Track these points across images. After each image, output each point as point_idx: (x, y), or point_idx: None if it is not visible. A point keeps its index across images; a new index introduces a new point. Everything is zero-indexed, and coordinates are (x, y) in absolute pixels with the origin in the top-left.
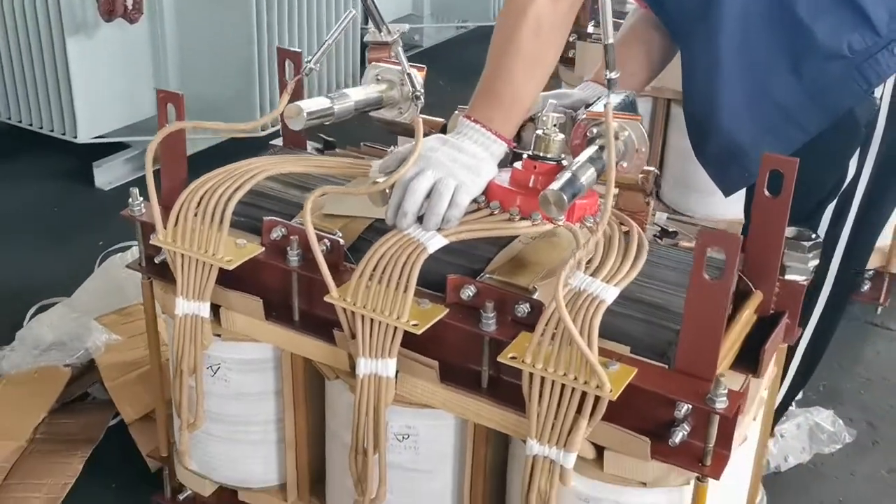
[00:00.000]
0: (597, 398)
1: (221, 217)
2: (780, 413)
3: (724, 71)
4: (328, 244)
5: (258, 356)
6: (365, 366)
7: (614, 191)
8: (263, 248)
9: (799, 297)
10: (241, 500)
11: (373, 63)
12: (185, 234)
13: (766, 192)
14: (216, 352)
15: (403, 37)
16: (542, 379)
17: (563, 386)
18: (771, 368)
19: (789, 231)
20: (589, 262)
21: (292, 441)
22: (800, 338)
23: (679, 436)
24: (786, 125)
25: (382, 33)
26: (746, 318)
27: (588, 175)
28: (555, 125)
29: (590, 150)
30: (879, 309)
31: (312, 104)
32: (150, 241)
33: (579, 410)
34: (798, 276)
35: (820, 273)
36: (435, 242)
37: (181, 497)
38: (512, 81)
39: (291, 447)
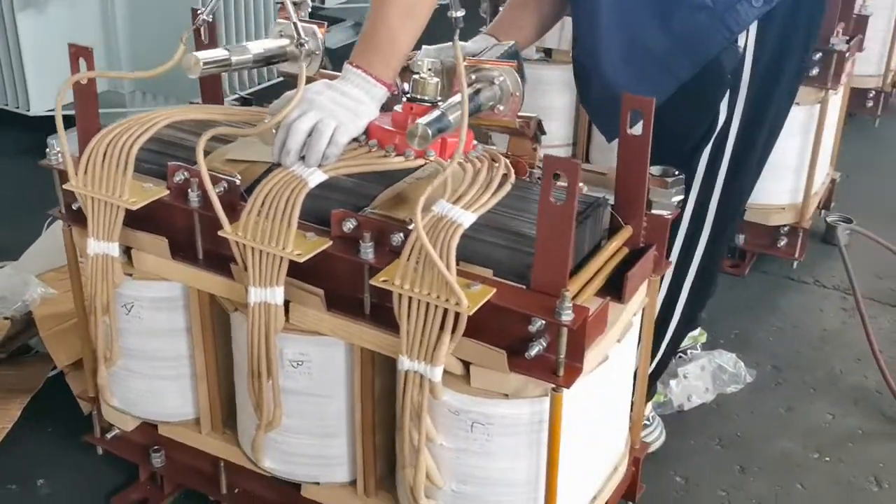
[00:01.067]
0: (457, 315)
1: (126, 161)
2: (672, 348)
3: (602, 21)
4: (226, 185)
5: (168, 294)
6: (255, 294)
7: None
8: (168, 191)
9: (664, 230)
10: (161, 433)
11: (278, 20)
12: (94, 178)
13: (629, 130)
14: (129, 290)
15: (358, 16)
16: (410, 299)
17: (427, 305)
18: (641, 297)
19: (655, 169)
20: (457, 193)
21: (203, 375)
22: (685, 276)
23: (535, 349)
24: (658, 72)
25: None
26: (613, 248)
27: (457, 114)
28: (429, 69)
29: (461, 95)
30: (795, 264)
31: (209, 54)
32: (63, 187)
33: (443, 328)
34: (663, 211)
35: (699, 216)
36: (315, 178)
37: (108, 436)
38: (389, 29)
39: (203, 381)
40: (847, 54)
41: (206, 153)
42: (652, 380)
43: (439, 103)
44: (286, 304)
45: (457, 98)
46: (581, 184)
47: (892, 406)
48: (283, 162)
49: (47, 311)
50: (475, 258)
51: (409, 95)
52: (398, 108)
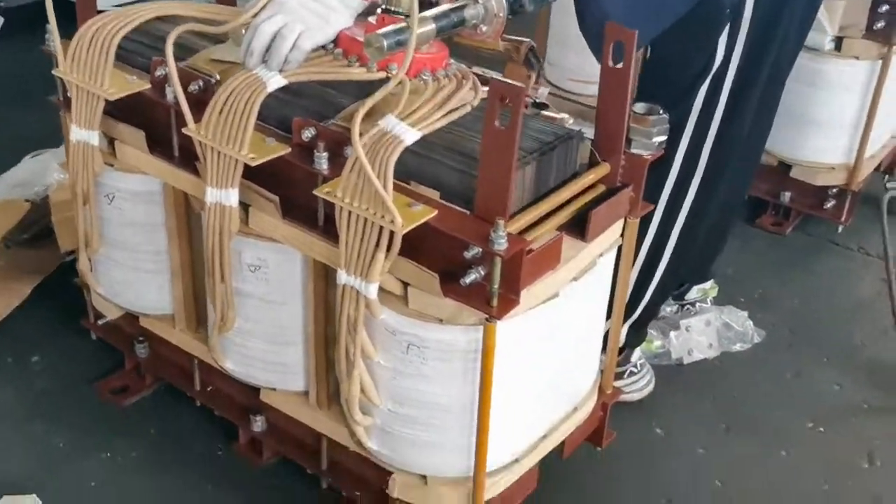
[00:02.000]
0: (392, 233)
1: (107, 51)
2: (659, 295)
3: None
4: (201, 84)
5: (147, 188)
6: (211, 195)
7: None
8: (150, 86)
9: (642, 170)
10: (142, 325)
11: None
12: (79, 66)
13: (611, 62)
14: (110, 181)
15: None
16: (350, 213)
17: (365, 220)
18: (612, 238)
19: (639, 107)
20: (408, 109)
21: (178, 271)
22: (675, 220)
23: (472, 277)
24: (656, 4)
25: None
26: (583, 184)
27: (425, 29)
28: None
29: (439, 8)
30: (840, 228)
31: None
32: (53, 72)
33: (379, 245)
34: (642, 151)
35: (691, 158)
36: (274, 81)
37: (100, 322)
38: None
39: (178, 277)
40: None
41: (194, 52)
42: (638, 326)
43: None
44: (247, 208)
45: (428, 12)
46: (565, 115)
47: None
48: (246, 63)
49: (62, 196)
50: (426, 178)
51: (383, 7)
52: (373, 18)
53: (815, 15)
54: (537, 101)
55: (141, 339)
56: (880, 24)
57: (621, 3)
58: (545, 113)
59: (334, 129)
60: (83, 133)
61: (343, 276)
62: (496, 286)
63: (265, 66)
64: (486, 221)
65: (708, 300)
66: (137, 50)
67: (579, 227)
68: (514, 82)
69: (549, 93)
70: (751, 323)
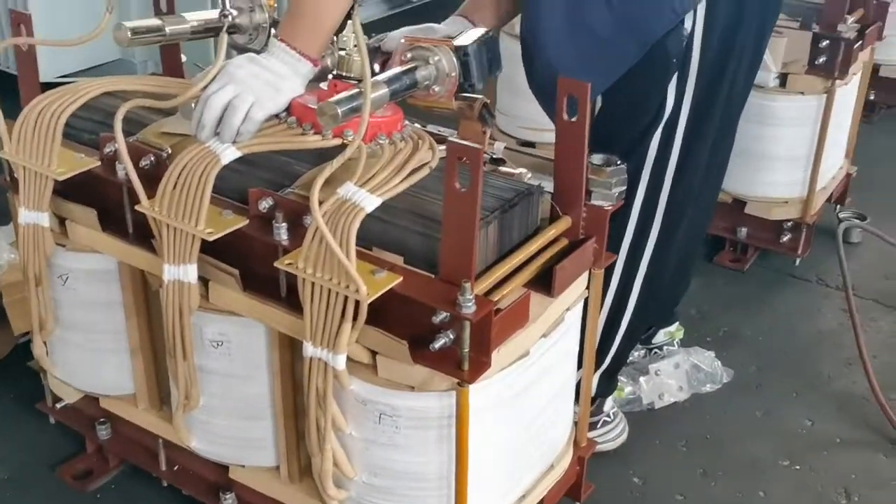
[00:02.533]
0: (357, 302)
1: (54, 130)
2: (627, 342)
3: (543, 1)
4: (152, 159)
5: (101, 266)
6: (169, 272)
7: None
8: (99, 163)
9: (604, 222)
10: (102, 406)
11: None
12: (25, 147)
13: (565, 116)
14: (63, 261)
15: None
16: (313, 284)
17: (329, 290)
18: (578, 291)
19: (597, 158)
20: (366, 175)
21: (137, 350)
22: (638, 267)
23: (441, 342)
24: (604, 54)
25: None
26: (545, 239)
27: (379, 93)
28: (354, 45)
29: (392, 71)
30: (797, 261)
31: (139, 24)
32: None
33: (344, 315)
34: (603, 202)
35: (649, 204)
36: (228, 154)
37: (58, 406)
38: (315, 3)
39: (137, 356)
40: (860, 43)
41: (143, 125)
42: (609, 374)
43: None
44: (206, 283)
45: (380, 76)
46: (523, 170)
47: (877, 414)
48: (198, 136)
49: (13, 277)
50: (389, 244)
51: (334, 73)
52: (324, 85)
53: (762, 56)
54: (494, 156)
55: (102, 420)
56: (822, 59)
57: (570, 57)
58: (503, 168)
59: (292, 198)
60: (32, 215)
61: (309, 349)
62: (466, 349)
63: (218, 138)
64: (452, 284)
65: (675, 342)
66: (85, 127)
67: (545, 282)
68: (470, 143)
69: (506, 147)
70: (719, 363)
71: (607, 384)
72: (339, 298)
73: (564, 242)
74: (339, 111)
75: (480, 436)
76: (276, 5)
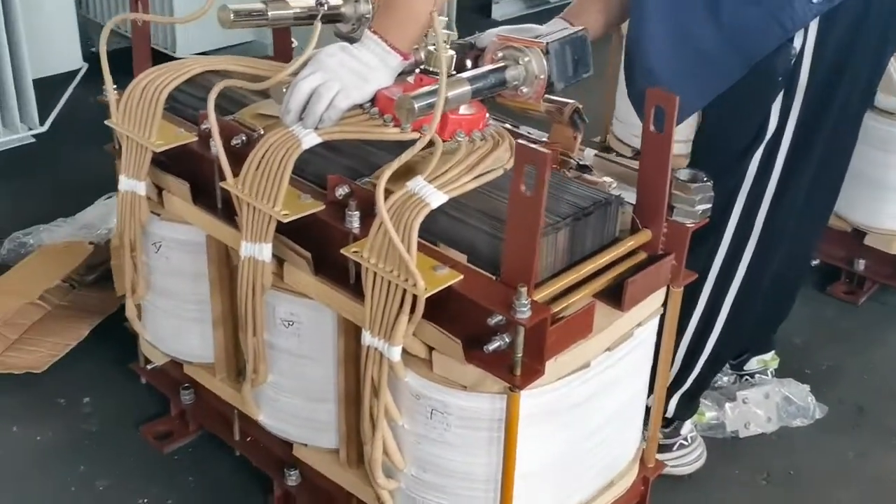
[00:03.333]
0: (415, 297)
1: (156, 103)
2: (712, 366)
3: (649, 7)
4: (244, 138)
5: (192, 238)
6: (245, 249)
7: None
8: (197, 138)
9: (685, 239)
10: (186, 372)
11: None
12: (129, 117)
13: (651, 128)
14: (157, 230)
15: None
16: (375, 274)
17: (389, 282)
18: (653, 308)
19: (683, 174)
20: (438, 171)
21: (219, 321)
22: (728, 289)
23: (496, 344)
24: (707, 69)
25: None
26: (621, 251)
27: (459, 91)
28: (444, 42)
29: (478, 70)
30: None
31: (244, 7)
32: (105, 122)
33: (402, 307)
34: (685, 219)
35: (745, 225)
36: (309, 139)
37: (149, 367)
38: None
39: (218, 326)
40: None
41: (245, 105)
42: (689, 397)
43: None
44: (283, 262)
45: (464, 74)
46: (608, 179)
47: None
48: (283, 120)
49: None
50: (456, 241)
51: (422, 67)
52: (411, 78)
53: (879, 79)
54: (581, 163)
55: (186, 386)
56: None
57: (672, 67)
58: (587, 176)
59: (367, 187)
60: (131, 182)
61: (367, 337)
62: (520, 355)
63: (301, 123)
64: (511, 288)
65: (768, 371)
66: (189, 103)
67: (616, 295)
68: (540, 147)
69: (596, 154)
70: (812, 398)
71: (687, 407)
72: (399, 291)
73: (642, 256)
74: (416, 105)
75: (531, 443)
76: None
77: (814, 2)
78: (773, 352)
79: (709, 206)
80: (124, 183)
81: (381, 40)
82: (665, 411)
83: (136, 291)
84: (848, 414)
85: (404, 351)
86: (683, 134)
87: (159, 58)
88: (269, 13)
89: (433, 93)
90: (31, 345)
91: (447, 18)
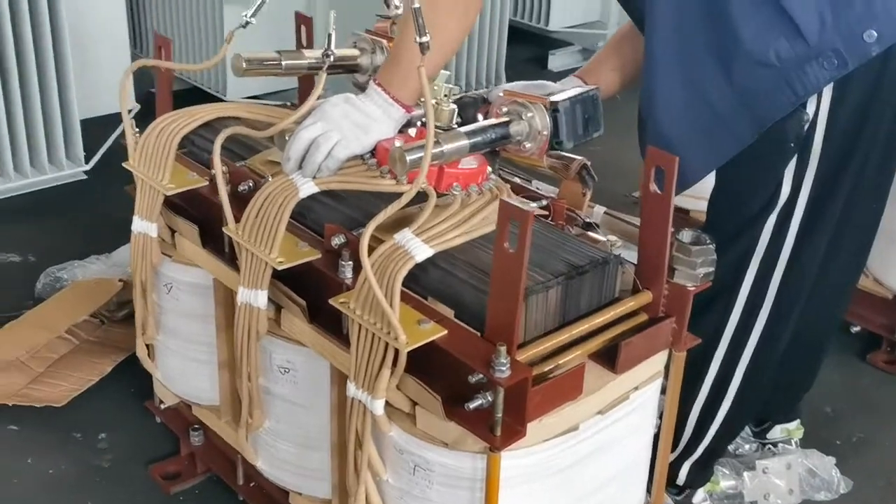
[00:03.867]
0: (397, 350)
1: (169, 147)
2: (725, 434)
3: (658, 64)
4: (251, 184)
5: (202, 281)
6: (242, 294)
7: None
8: (207, 183)
9: (686, 302)
10: (195, 413)
11: (353, 32)
12: (145, 160)
13: (652, 188)
14: (169, 271)
15: (587, 42)
16: (360, 325)
17: (373, 334)
18: (653, 372)
19: (685, 235)
20: (428, 223)
21: (224, 363)
22: (741, 354)
23: (478, 402)
24: (719, 131)
25: (391, 8)
26: (616, 312)
27: (455, 145)
28: (445, 95)
29: (476, 124)
30: None
31: (257, 55)
32: (123, 164)
33: (385, 360)
34: (686, 282)
35: (758, 290)
36: (307, 188)
37: (162, 406)
38: (409, 50)
39: (224, 369)
40: None
41: (256, 152)
42: (702, 465)
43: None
44: (280, 309)
45: (464, 128)
46: (613, 238)
47: None
48: (283, 168)
49: None
50: (444, 294)
51: (423, 121)
52: (412, 131)
53: None
54: (587, 220)
55: (196, 427)
56: None
57: (682, 129)
58: (591, 234)
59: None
60: (143, 224)
61: (352, 389)
62: (500, 415)
63: (301, 172)
64: (494, 345)
65: (793, 442)
66: (207, 147)
67: (611, 357)
68: (522, 205)
69: (606, 212)
70: (837, 470)
71: (699, 475)
72: (382, 343)
73: (643, 318)
74: (408, 158)
75: None
76: None
77: (826, 68)
78: (797, 421)
79: (711, 269)
80: (137, 224)
81: (384, 92)
82: (676, 478)
83: (147, 331)
84: (875, 490)
85: (389, 404)
86: (705, 191)
87: (211, 101)
88: (283, 62)
89: (424, 146)
90: (56, 378)
91: (449, 73)
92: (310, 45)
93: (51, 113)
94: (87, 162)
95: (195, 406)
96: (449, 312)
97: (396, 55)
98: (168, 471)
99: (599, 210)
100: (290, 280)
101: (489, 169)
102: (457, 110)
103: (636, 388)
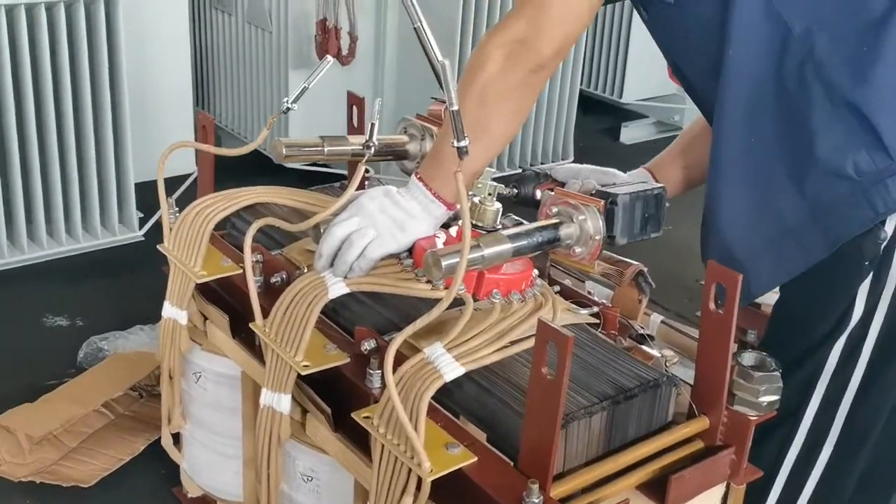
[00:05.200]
0: (420, 477)
1: (203, 233)
2: None
3: (724, 167)
4: (284, 276)
5: (231, 371)
6: (266, 397)
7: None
8: (240, 272)
9: (746, 432)
10: None
11: (404, 117)
12: (179, 243)
13: (711, 306)
14: (197, 359)
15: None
16: (383, 445)
17: (396, 457)
18: None
19: (747, 358)
20: (461, 337)
21: (250, 460)
22: (797, 496)
23: None
24: (786, 245)
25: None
26: (669, 440)
27: (497, 249)
28: (489, 194)
29: (522, 227)
30: None
31: (296, 140)
32: (158, 246)
33: (408, 485)
34: (747, 409)
35: (823, 420)
36: (336, 289)
37: (188, 495)
38: (451, 149)
39: (250, 466)
40: None
41: (296, 239)
42: None
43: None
44: (306, 412)
45: (509, 230)
46: (669, 353)
47: None
48: (315, 265)
49: None
50: (478, 415)
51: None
52: (454, 229)
53: None
54: (641, 331)
55: None
56: None
57: (748, 241)
58: (644, 348)
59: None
60: (174, 310)
61: None
62: None
63: (332, 270)
64: (528, 478)
65: None
66: (245, 231)
67: (661, 490)
68: (564, 330)
69: (663, 321)
70: None
71: None
72: (405, 468)
73: (699, 446)
74: (444, 264)
75: None
76: None
77: None
78: None
79: (776, 398)
80: (167, 310)
81: (425, 187)
82: None
83: (173, 421)
84: None
85: None
86: None
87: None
88: (325, 149)
89: (461, 251)
90: (87, 455)
91: (493, 169)
92: (361, 127)
93: (106, 177)
94: (141, 227)
95: (220, 501)
96: (481, 436)
97: (438, 151)
98: None
99: (656, 319)
100: (317, 384)
101: (535, 272)
102: (501, 210)
103: None
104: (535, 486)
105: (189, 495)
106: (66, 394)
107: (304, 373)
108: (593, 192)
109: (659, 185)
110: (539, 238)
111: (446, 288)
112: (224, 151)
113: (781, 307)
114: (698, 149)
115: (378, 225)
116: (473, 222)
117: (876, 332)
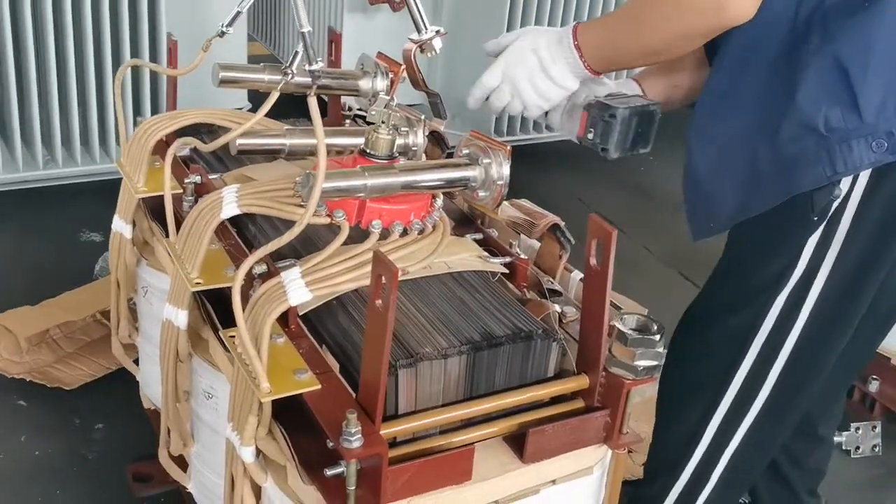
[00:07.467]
0: None
1: (146, 150)
2: None
3: (713, 100)
4: None
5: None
6: (167, 311)
7: None
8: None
9: (619, 395)
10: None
11: (363, 53)
12: (131, 161)
13: (593, 262)
14: (144, 274)
15: None
16: (238, 369)
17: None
18: (573, 465)
19: (631, 320)
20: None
21: None
22: (720, 453)
23: (336, 471)
24: (751, 185)
25: (422, 33)
26: (540, 394)
27: (382, 181)
28: (383, 122)
29: (420, 163)
30: None
31: (236, 65)
32: (115, 163)
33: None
34: (623, 372)
35: (758, 374)
36: (228, 209)
37: (145, 406)
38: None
39: None
40: None
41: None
42: None
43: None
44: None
45: (404, 164)
46: (572, 309)
47: None
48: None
49: None
50: (338, 344)
51: (362, 148)
52: (348, 157)
53: None
54: (552, 286)
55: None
56: None
57: (720, 177)
58: (543, 302)
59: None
60: (120, 223)
61: (228, 430)
62: (352, 488)
63: (228, 188)
64: (363, 411)
65: None
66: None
67: (520, 444)
68: (390, 261)
69: (582, 279)
70: None
71: None
72: (251, 388)
73: (579, 405)
74: (310, 186)
75: None
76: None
77: (875, 150)
78: None
79: (654, 363)
80: (115, 222)
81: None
82: None
83: (120, 330)
84: None
85: (264, 455)
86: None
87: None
88: (265, 77)
89: (336, 177)
90: (79, 361)
91: (389, 97)
92: (338, 62)
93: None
94: None
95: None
96: (335, 365)
97: (615, 30)
98: (142, 472)
99: (576, 277)
100: (221, 303)
101: (438, 210)
102: (396, 141)
103: (553, 483)
104: (353, 417)
105: (145, 406)
106: (64, 301)
107: (194, 289)
108: (592, 101)
109: (655, 101)
110: (436, 176)
111: (328, 214)
112: (166, 71)
113: (731, 248)
114: (687, 68)
115: (522, 93)
116: (368, 150)
117: (815, 296)
